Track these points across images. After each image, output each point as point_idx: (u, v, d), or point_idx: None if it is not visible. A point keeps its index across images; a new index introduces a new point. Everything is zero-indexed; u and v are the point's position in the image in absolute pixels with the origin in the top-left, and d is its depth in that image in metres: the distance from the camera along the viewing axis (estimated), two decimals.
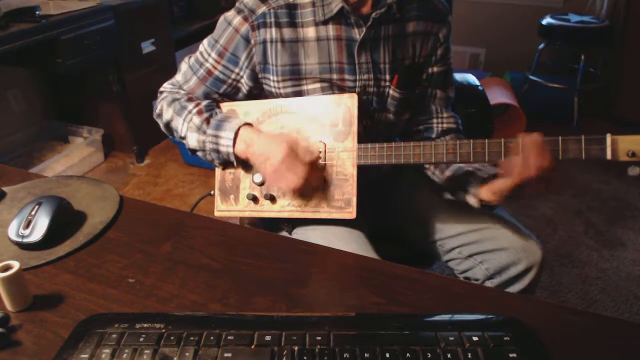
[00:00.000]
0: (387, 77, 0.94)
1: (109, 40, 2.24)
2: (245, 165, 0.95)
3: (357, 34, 0.90)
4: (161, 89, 1.03)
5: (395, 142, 0.86)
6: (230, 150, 0.90)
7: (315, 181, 0.88)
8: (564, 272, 1.84)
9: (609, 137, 0.75)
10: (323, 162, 0.90)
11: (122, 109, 2.50)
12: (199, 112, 0.94)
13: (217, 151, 0.92)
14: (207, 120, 0.93)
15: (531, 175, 0.77)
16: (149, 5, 2.51)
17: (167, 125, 0.99)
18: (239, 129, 0.89)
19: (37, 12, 1.95)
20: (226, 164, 0.96)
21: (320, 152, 0.89)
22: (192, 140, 0.94)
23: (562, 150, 0.77)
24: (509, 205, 2.21)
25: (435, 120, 1.03)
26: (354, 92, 0.93)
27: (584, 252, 1.95)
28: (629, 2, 2.73)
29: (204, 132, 0.92)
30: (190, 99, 0.97)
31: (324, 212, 0.90)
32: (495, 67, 3.18)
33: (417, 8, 0.94)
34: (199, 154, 0.96)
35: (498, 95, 2.63)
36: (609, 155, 0.75)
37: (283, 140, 0.85)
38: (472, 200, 0.92)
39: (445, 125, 1.03)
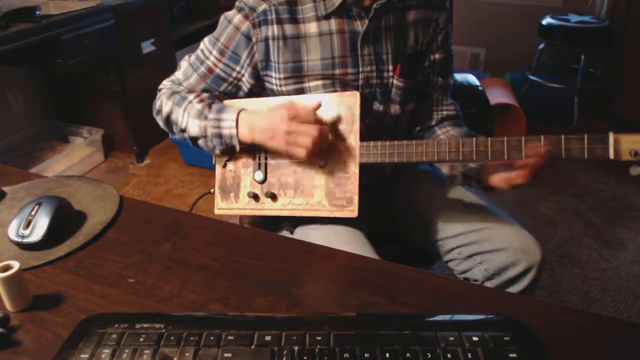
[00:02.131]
0: (390, 67, 0.94)
1: (109, 40, 2.24)
2: (248, 159, 0.94)
3: (360, 26, 0.90)
4: (160, 86, 1.02)
5: (397, 140, 0.86)
6: (234, 132, 0.89)
7: (326, 139, 0.87)
8: (564, 272, 1.84)
9: (611, 136, 0.74)
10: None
11: (122, 109, 2.50)
12: (201, 100, 0.93)
13: (220, 135, 0.90)
14: (209, 106, 0.92)
15: (523, 182, 0.82)
16: (149, 5, 2.51)
17: (167, 119, 0.98)
18: (240, 112, 0.89)
19: (37, 12, 1.95)
20: (228, 151, 0.95)
21: (319, 105, 0.88)
22: (193, 126, 0.92)
23: (564, 149, 0.77)
24: (509, 205, 2.21)
25: (435, 109, 1.04)
26: (357, 85, 0.93)
27: (584, 252, 1.95)
28: (629, 2, 2.73)
29: (206, 117, 0.91)
30: (190, 92, 0.97)
31: (326, 211, 0.89)
32: (495, 67, 3.18)
33: None
34: (200, 142, 0.94)
35: (498, 95, 2.63)
36: (611, 155, 0.74)
37: (281, 108, 0.84)
38: (478, 185, 0.93)
39: (445, 112, 1.04)
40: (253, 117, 0.88)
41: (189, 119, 0.93)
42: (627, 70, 2.82)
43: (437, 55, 0.99)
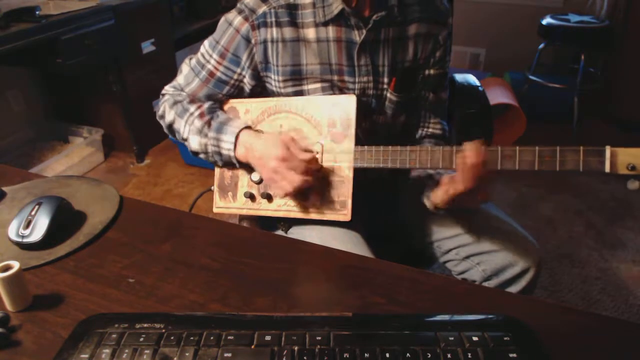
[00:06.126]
0: (386, 79, 0.94)
1: (109, 40, 2.24)
2: (247, 166, 0.95)
3: (357, 36, 0.89)
4: (163, 91, 1.03)
5: (392, 146, 0.86)
6: (232, 153, 0.91)
7: (313, 181, 0.88)
8: (564, 272, 1.84)
9: (608, 150, 0.72)
10: (320, 163, 0.90)
11: (122, 109, 2.50)
12: (201, 115, 0.94)
13: (220, 154, 0.93)
14: (209, 123, 0.93)
15: (462, 189, 0.81)
16: (149, 5, 2.51)
17: (170, 126, 0.99)
18: (239, 133, 0.90)
19: (37, 12, 1.95)
20: (229, 165, 0.96)
21: (317, 152, 0.90)
22: (194, 143, 0.94)
23: (559, 161, 0.75)
24: (509, 205, 2.21)
25: (422, 124, 1.05)
26: (354, 94, 0.93)
27: (584, 252, 1.95)
28: (629, 2, 2.73)
29: (206, 135, 0.92)
30: (192, 101, 0.98)
31: (320, 213, 0.90)
32: (495, 67, 3.18)
33: (420, 10, 0.93)
34: (202, 156, 0.96)
35: (498, 95, 2.63)
36: (607, 169, 0.72)
37: (279, 142, 0.85)
38: (427, 203, 0.93)
39: (430, 130, 1.04)
40: (251, 141, 0.89)
41: (190, 134, 0.94)
42: (627, 70, 2.82)
43: (431, 71, 0.99)
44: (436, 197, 0.88)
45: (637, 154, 0.71)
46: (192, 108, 0.95)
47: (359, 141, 0.89)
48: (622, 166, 0.72)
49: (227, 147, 0.91)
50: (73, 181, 0.89)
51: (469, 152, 0.78)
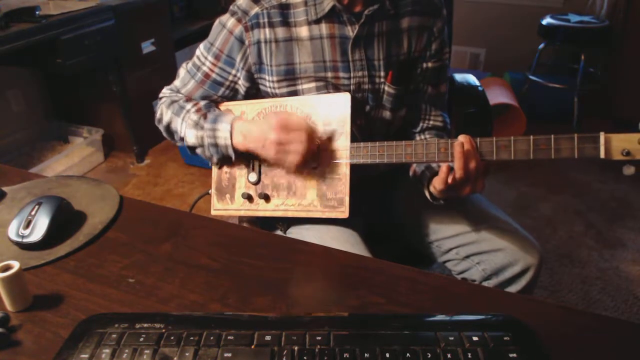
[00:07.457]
0: (382, 73, 0.94)
1: (109, 40, 2.24)
2: (243, 161, 0.95)
3: (350, 32, 0.90)
4: (160, 94, 1.04)
5: (387, 141, 0.86)
6: (229, 142, 0.90)
7: (315, 150, 0.87)
8: (564, 272, 1.84)
9: (602, 136, 0.73)
10: (315, 124, 0.90)
11: (122, 109, 2.50)
12: (197, 110, 0.95)
13: (216, 145, 0.92)
14: (205, 116, 0.94)
15: (459, 177, 0.81)
16: (149, 5, 2.51)
17: (168, 128, 1.00)
18: (233, 121, 0.90)
19: (37, 12, 1.95)
20: (225, 159, 0.96)
21: (310, 119, 0.89)
22: (191, 136, 0.94)
23: (554, 149, 0.76)
24: (509, 205, 2.21)
25: (422, 117, 1.04)
26: (349, 89, 0.93)
27: (584, 252, 1.95)
28: (629, 2, 2.73)
29: (202, 127, 0.92)
30: (188, 100, 0.98)
31: (317, 212, 0.90)
32: (495, 67, 3.18)
33: (412, 3, 0.93)
34: (198, 150, 0.96)
35: (498, 95, 2.63)
36: (602, 154, 0.73)
37: (272, 119, 0.85)
38: (426, 193, 0.94)
39: (431, 123, 1.04)
40: (247, 126, 0.89)
41: (187, 129, 0.95)
42: (627, 70, 2.82)
43: (429, 64, 0.99)
44: (434, 186, 0.89)
45: (630, 139, 0.72)
46: (189, 105, 0.96)
47: (355, 139, 0.89)
48: (617, 151, 0.73)
49: (223, 135, 0.90)
50: (73, 181, 0.89)
51: (464, 141, 0.80)
